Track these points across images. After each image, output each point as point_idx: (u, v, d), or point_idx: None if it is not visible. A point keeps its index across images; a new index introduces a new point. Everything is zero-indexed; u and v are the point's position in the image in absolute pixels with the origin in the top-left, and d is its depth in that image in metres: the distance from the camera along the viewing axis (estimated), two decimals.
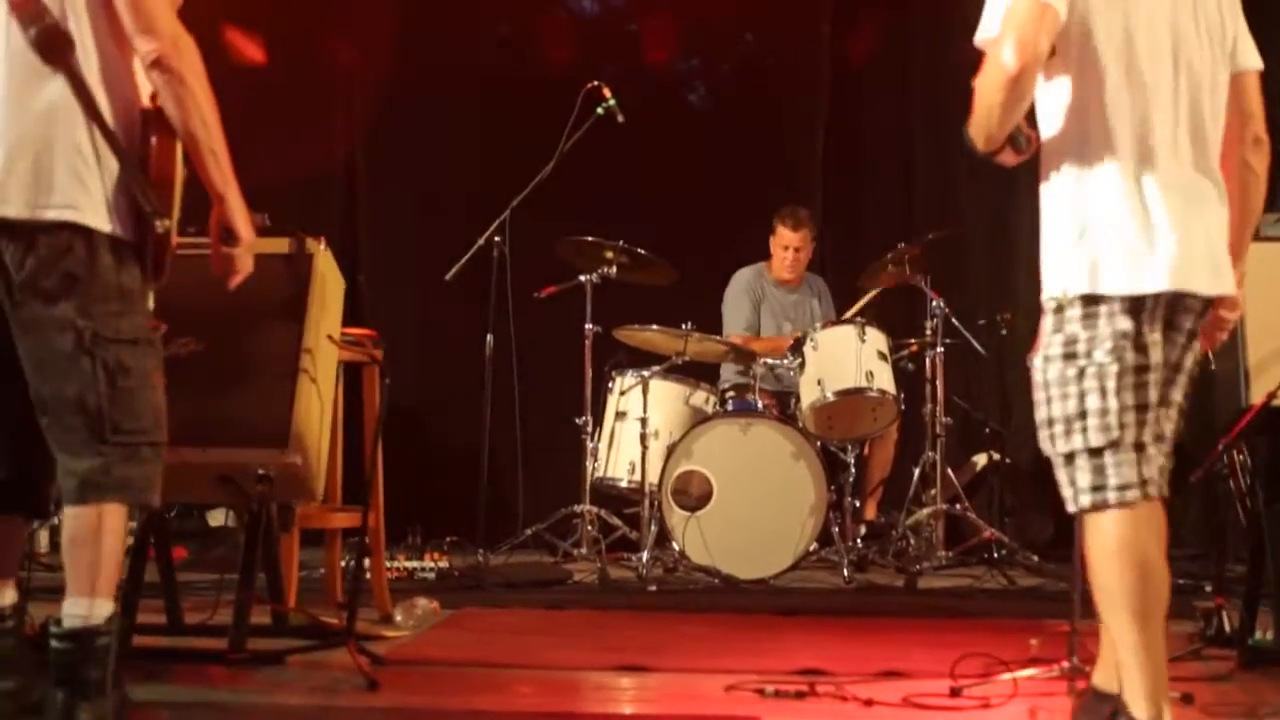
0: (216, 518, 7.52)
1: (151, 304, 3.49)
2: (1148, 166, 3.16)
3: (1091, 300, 3.14)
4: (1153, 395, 3.15)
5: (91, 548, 3.28)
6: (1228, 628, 4.55)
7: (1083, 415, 3.14)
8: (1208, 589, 5.38)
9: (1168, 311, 3.18)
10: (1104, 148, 3.17)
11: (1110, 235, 3.14)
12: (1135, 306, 3.13)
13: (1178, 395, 3.30)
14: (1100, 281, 3.13)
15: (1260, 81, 3.38)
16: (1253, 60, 3.38)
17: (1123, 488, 3.11)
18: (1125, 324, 3.12)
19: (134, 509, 3.54)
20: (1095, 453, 3.13)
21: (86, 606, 3.26)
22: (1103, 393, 3.12)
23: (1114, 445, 3.12)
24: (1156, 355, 3.15)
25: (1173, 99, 3.20)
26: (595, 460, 6.95)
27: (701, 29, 8.78)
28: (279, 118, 7.71)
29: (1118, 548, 3.09)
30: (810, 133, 8.67)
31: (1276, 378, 4.24)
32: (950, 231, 7.26)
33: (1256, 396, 4.26)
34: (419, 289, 7.99)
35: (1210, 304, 3.26)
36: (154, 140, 3.39)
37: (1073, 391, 3.15)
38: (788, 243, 7.63)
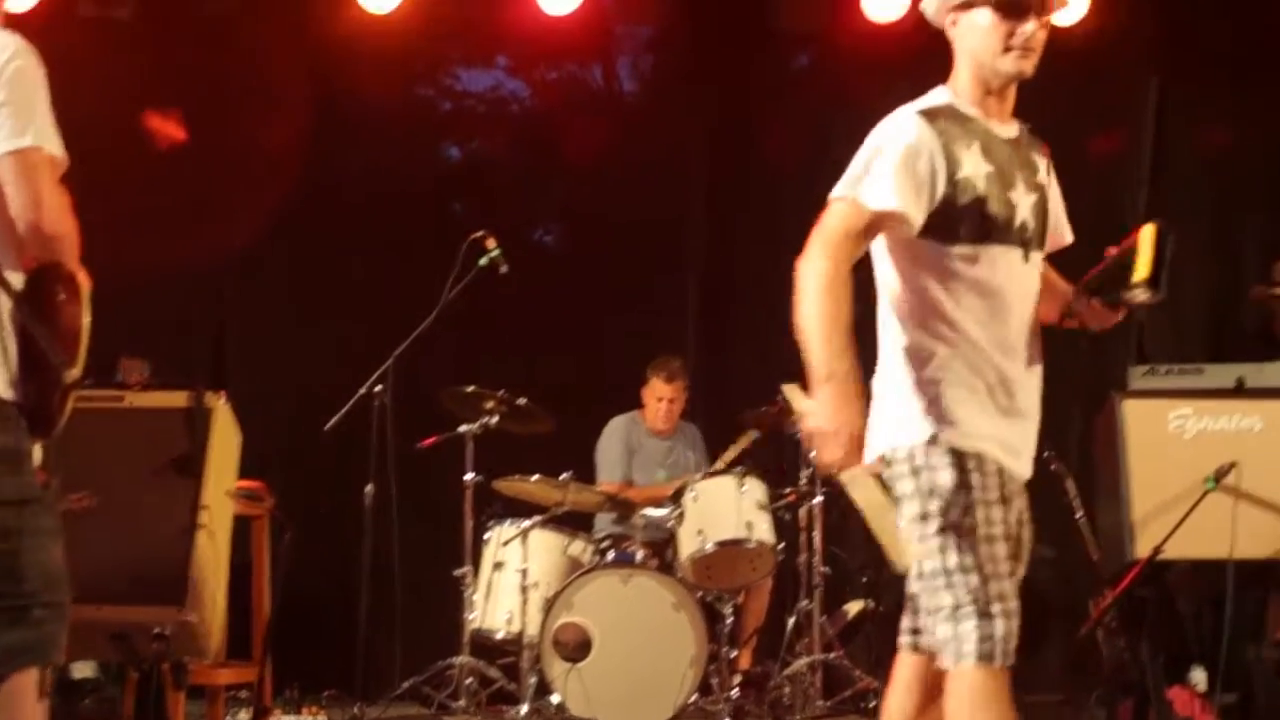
0: (83, 670, 7.32)
1: (40, 458, 3.43)
2: None
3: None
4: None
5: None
6: None
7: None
8: None
9: None
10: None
11: None
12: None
13: None
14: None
15: None
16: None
17: (1007, 640, 3.32)
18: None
19: (42, 670, 3.48)
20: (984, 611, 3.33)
21: None
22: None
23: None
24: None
25: None
26: (473, 611, 6.93)
27: (571, 178, 8.91)
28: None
29: (999, 700, 3.31)
30: (683, 279, 8.80)
31: (1160, 532, 4.41)
32: None
33: (1142, 551, 4.42)
34: (297, 438, 7.94)
35: None
36: (60, 293, 3.36)
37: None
38: (661, 394, 7.74)
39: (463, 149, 9.57)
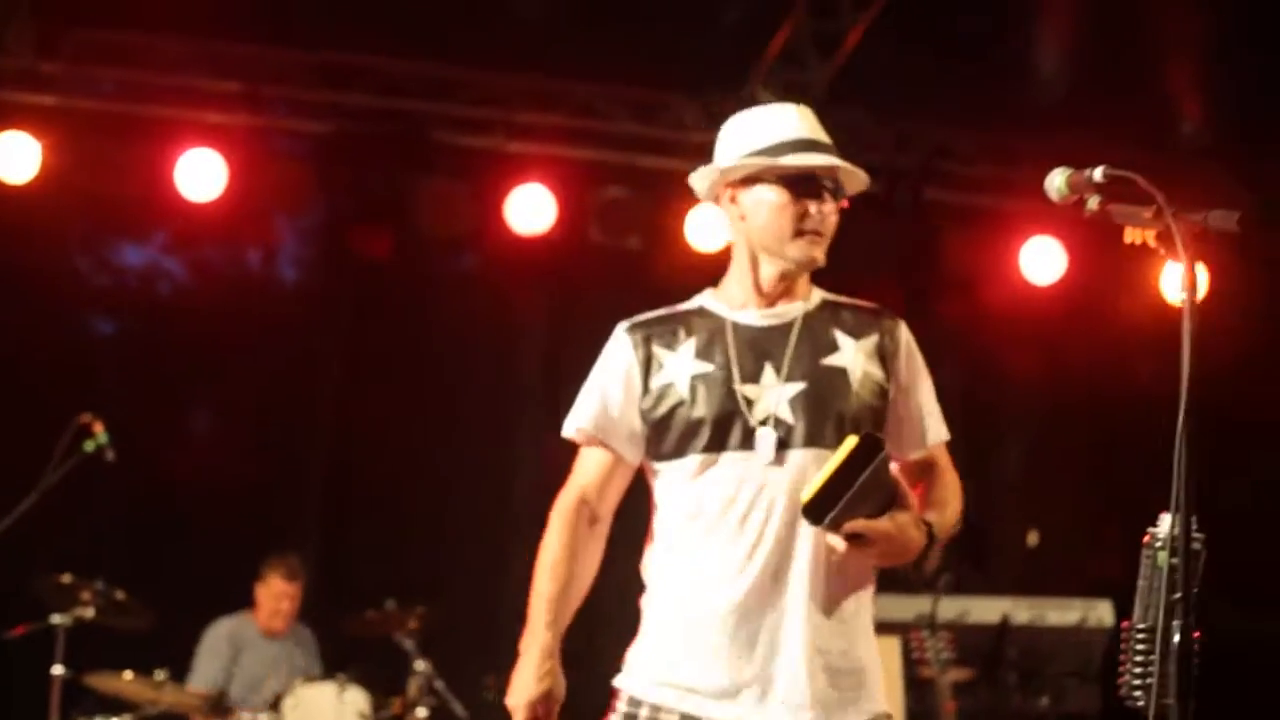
0: None
1: None
2: None
3: None
4: None
5: None
6: None
7: None
8: None
9: None
10: None
11: None
12: None
13: None
14: None
15: None
16: None
17: None
18: None
19: None
20: None
21: None
22: None
23: None
24: None
25: None
26: None
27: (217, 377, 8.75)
28: None
29: None
30: (306, 475, 8.65)
31: None
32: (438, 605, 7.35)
33: None
34: None
35: None
36: None
37: None
38: (279, 591, 7.54)
39: (113, 324, 9.31)
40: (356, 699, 6.77)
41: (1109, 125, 8.58)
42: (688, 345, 3.18)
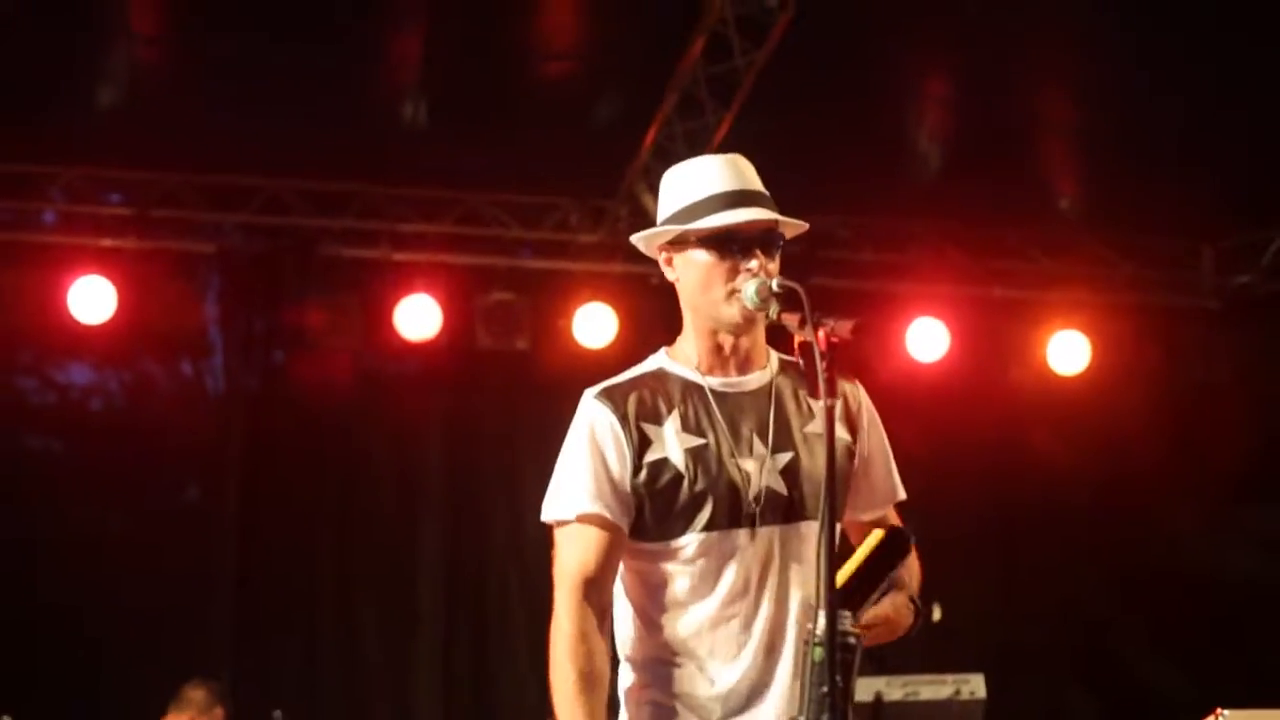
0: None
1: None
2: None
3: None
4: None
5: None
6: None
7: None
8: None
9: None
10: None
11: None
12: None
13: None
14: None
15: None
16: None
17: None
18: None
19: None
20: None
21: None
22: None
23: None
24: None
25: None
26: None
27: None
28: None
29: None
30: (223, 598, 8.69)
31: None
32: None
33: None
34: None
35: None
36: None
37: None
38: None
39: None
40: None
41: (991, 203, 8.81)
42: (673, 417, 2.99)
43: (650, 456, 2.96)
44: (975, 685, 7.07)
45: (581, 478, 2.97)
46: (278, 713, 6.92)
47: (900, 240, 9.07)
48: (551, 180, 8.54)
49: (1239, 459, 8.93)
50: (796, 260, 8.63)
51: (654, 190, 8.02)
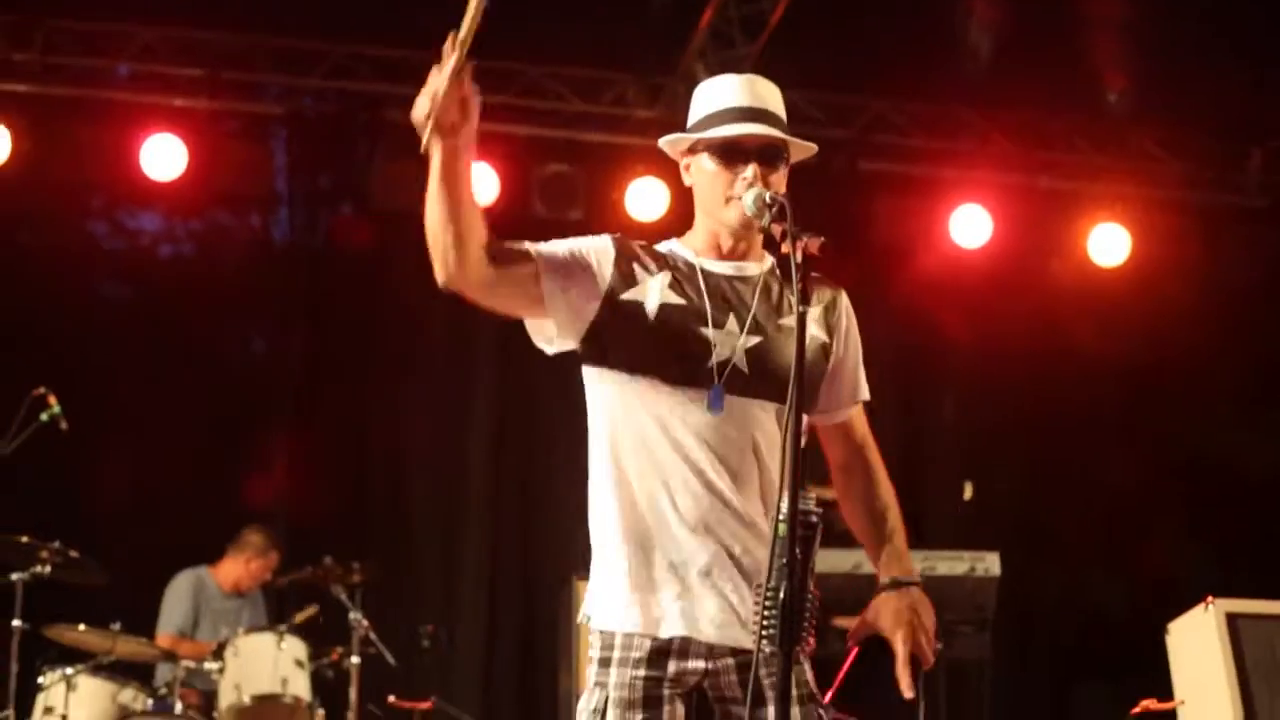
0: None
1: None
2: None
3: None
4: None
5: None
6: None
7: None
8: None
9: None
10: None
11: None
12: None
13: None
14: None
15: None
16: None
17: None
18: None
19: None
20: None
21: None
22: None
23: None
24: None
25: None
26: None
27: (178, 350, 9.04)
28: None
29: None
30: (272, 437, 9.05)
31: None
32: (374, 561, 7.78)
33: None
34: None
35: None
36: None
37: None
38: (259, 569, 7.98)
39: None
40: (295, 648, 7.23)
41: (1040, 94, 8.90)
42: (663, 275, 3.27)
43: (628, 295, 3.25)
44: (990, 563, 7.31)
45: (553, 244, 3.29)
46: (428, 627, 7.31)
47: (950, 128, 9.21)
48: (611, 56, 8.73)
49: (1275, 356, 9.07)
50: (848, 144, 8.93)
51: (709, 70, 8.29)
